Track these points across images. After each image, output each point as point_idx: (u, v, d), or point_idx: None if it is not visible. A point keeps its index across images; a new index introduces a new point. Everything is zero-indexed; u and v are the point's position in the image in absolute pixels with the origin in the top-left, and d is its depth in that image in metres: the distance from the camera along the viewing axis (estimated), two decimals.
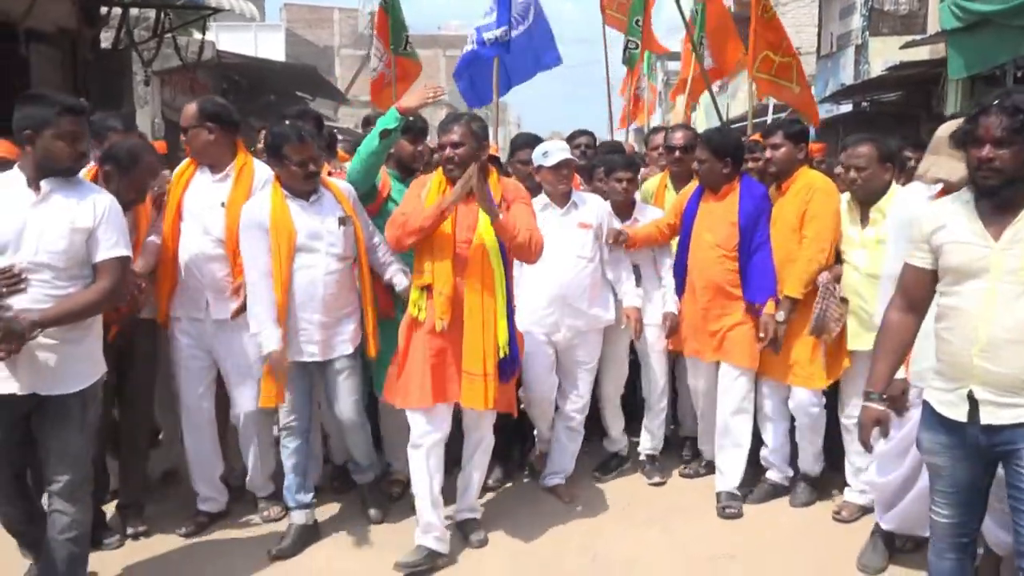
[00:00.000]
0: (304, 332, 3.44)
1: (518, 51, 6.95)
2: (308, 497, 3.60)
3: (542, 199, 3.92)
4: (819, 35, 16.37)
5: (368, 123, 4.82)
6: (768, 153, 3.95)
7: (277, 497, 3.75)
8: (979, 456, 2.38)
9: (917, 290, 2.47)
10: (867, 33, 13.48)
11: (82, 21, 7.78)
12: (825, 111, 12.79)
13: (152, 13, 8.34)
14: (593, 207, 3.98)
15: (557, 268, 3.80)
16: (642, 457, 4.31)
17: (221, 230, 3.50)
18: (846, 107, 13.42)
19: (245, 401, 3.61)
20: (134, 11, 8.24)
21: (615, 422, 4.33)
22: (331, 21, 37.25)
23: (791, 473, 3.99)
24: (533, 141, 4.33)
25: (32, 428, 2.78)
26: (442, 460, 3.38)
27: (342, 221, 3.44)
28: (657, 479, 4.20)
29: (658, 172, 4.81)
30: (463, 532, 3.54)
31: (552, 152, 3.88)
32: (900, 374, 3.06)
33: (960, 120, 2.62)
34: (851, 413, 3.67)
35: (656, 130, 5.18)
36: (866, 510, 3.68)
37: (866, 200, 3.66)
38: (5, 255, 2.65)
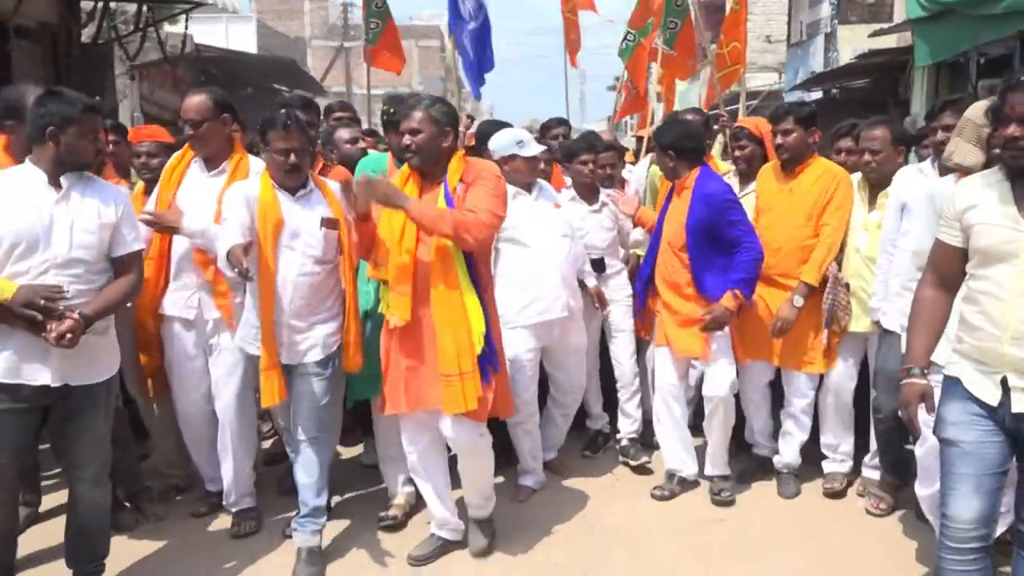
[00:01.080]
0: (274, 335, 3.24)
1: (468, 47, 7.15)
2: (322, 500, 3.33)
3: (509, 188, 3.61)
4: (789, 24, 16.67)
5: (330, 111, 4.76)
6: (780, 139, 3.85)
7: (253, 511, 3.60)
8: (1006, 437, 2.28)
9: (949, 267, 2.40)
10: (836, 21, 13.79)
11: (63, 16, 7.78)
12: (796, 98, 13.07)
13: (133, 7, 8.35)
14: (552, 188, 4.02)
15: (551, 250, 3.75)
16: (624, 442, 4.30)
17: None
18: (816, 94, 13.71)
19: (226, 404, 3.47)
20: (114, 5, 8.23)
21: (595, 400, 4.40)
22: (301, 12, 37.03)
23: (776, 446, 4.04)
24: (493, 129, 4.20)
25: (52, 419, 2.83)
26: (442, 457, 3.33)
27: (325, 223, 3.24)
28: (644, 459, 4.19)
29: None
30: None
31: (528, 142, 3.77)
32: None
33: (990, 100, 2.62)
34: (832, 390, 3.81)
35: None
36: (848, 478, 3.88)
37: (877, 183, 3.66)
38: (37, 252, 2.69)
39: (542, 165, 3.95)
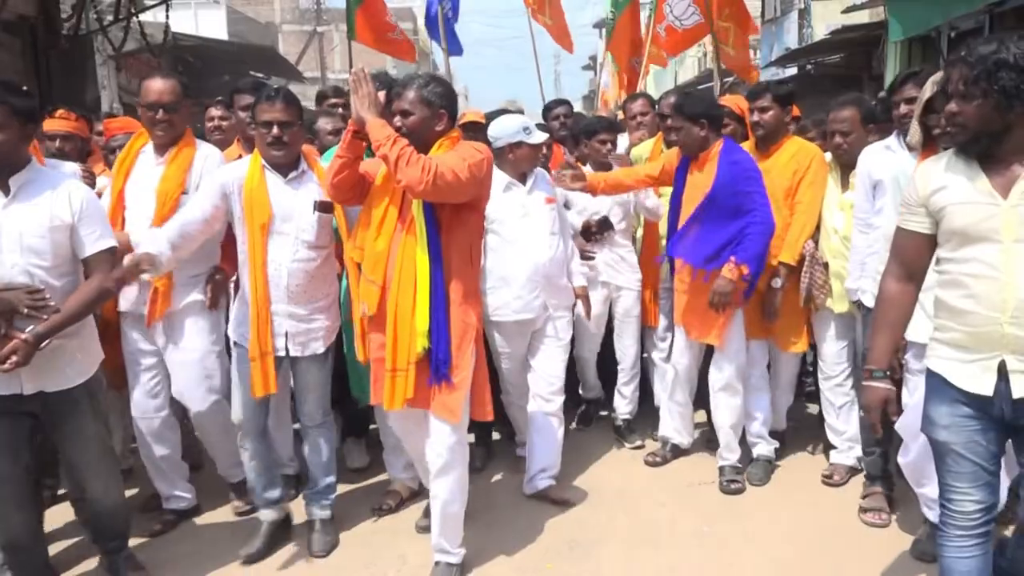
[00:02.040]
0: (272, 323, 3.15)
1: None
2: (276, 493, 3.37)
3: (503, 178, 3.60)
4: (763, 0, 16.81)
5: (323, 98, 4.76)
6: (756, 116, 3.86)
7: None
8: (1001, 428, 2.20)
9: (915, 257, 2.29)
10: None
11: (43, 8, 7.72)
12: (771, 75, 13.24)
13: None
14: (548, 180, 3.82)
15: (534, 248, 3.63)
16: (618, 423, 4.36)
17: (154, 214, 3.26)
18: (791, 70, 13.89)
19: (195, 399, 3.39)
20: None
21: (589, 373, 4.42)
22: None
23: (777, 444, 4.03)
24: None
25: (43, 424, 2.80)
26: (420, 440, 3.11)
27: (319, 206, 3.14)
28: (638, 442, 4.27)
29: (640, 139, 4.75)
30: None
31: (533, 130, 3.65)
32: None
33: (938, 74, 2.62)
34: (829, 373, 3.80)
35: (632, 98, 5.20)
36: (855, 471, 3.80)
37: (849, 164, 3.62)
38: None
39: (544, 150, 3.87)
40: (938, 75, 2.87)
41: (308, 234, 3.13)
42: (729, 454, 3.87)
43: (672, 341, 4.15)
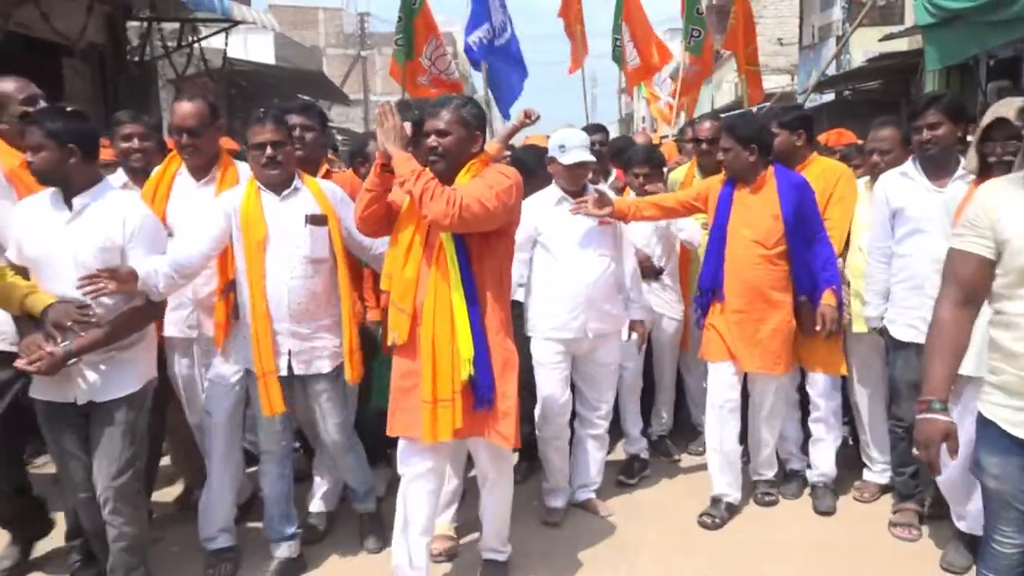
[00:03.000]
0: (274, 343, 3.13)
1: (502, 62, 7.30)
2: (292, 528, 3.31)
3: (555, 192, 3.63)
4: (800, 27, 16.93)
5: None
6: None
7: (231, 551, 3.39)
8: None
9: (974, 281, 2.14)
10: (848, 24, 14.04)
11: (111, 37, 8.20)
12: (808, 100, 13.35)
13: (175, 26, 8.76)
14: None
15: (579, 267, 3.53)
16: (654, 438, 4.43)
17: None
18: (828, 96, 13.97)
19: (215, 424, 3.35)
20: (157, 25, 8.65)
21: (634, 423, 4.24)
22: (316, 21, 37.55)
23: (807, 460, 3.98)
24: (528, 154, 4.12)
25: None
26: (432, 494, 3.02)
27: (310, 219, 3.14)
28: (675, 456, 4.38)
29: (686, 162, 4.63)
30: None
31: (569, 148, 3.54)
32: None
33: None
34: (861, 394, 3.82)
35: (694, 121, 5.11)
36: (886, 489, 3.84)
37: None
38: (52, 278, 2.76)
39: (580, 172, 3.63)
40: (1004, 103, 2.89)
41: (304, 249, 3.12)
42: (767, 470, 3.92)
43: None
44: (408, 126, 2.85)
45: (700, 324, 3.80)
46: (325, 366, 3.20)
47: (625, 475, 4.19)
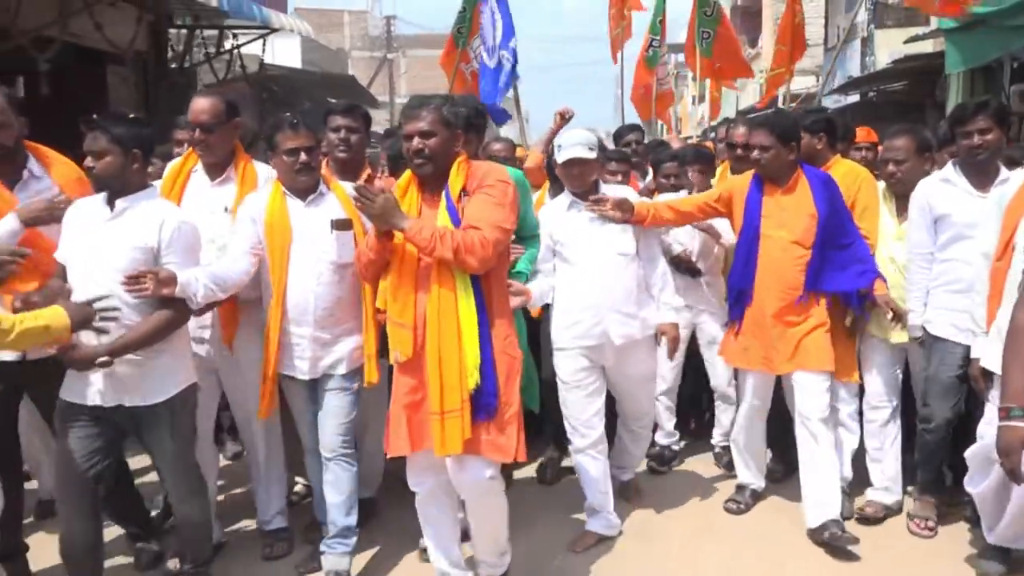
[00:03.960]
0: (297, 347, 3.16)
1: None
2: (353, 519, 3.27)
3: (566, 197, 3.56)
4: (826, 28, 16.97)
5: (389, 135, 4.63)
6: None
7: (283, 533, 3.54)
8: None
9: None
10: (872, 26, 14.09)
11: (152, 43, 8.51)
12: (833, 102, 13.42)
13: (214, 32, 9.06)
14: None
15: (596, 271, 3.44)
16: (717, 450, 4.38)
17: (226, 237, 3.23)
18: (853, 97, 14.02)
19: (253, 422, 3.39)
20: (198, 32, 8.95)
21: (667, 418, 4.33)
22: (341, 24, 37.99)
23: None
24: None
25: (140, 441, 2.99)
26: (451, 501, 3.02)
27: (336, 225, 3.10)
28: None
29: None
30: None
31: (564, 148, 3.45)
32: (975, 353, 3.06)
33: None
34: (876, 405, 3.74)
35: (729, 124, 5.19)
36: (890, 510, 3.74)
37: (903, 193, 3.59)
38: (89, 275, 2.81)
39: (575, 171, 3.47)
40: None
41: (330, 254, 3.11)
42: (830, 510, 3.60)
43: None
44: (389, 194, 2.75)
45: (734, 328, 3.68)
46: (342, 367, 3.21)
47: (657, 462, 4.32)
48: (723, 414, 4.34)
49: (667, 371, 4.20)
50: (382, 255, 2.83)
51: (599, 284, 3.44)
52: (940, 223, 3.43)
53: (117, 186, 2.85)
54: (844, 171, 3.88)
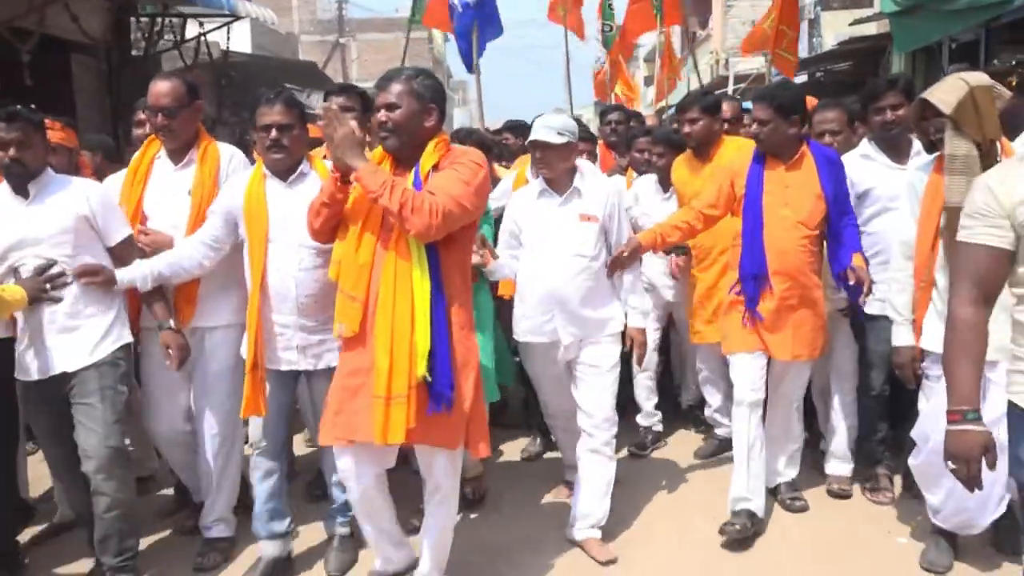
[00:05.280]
0: (281, 337, 3.03)
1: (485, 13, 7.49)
2: (283, 525, 3.22)
3: (539, 184, 3.39)
4: None
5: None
6: (687, 127, 3.99)
7: (222, 543, 3.39)
8: None
9: (994, 276, 1.96)
10: (819, 8, 14.56)
11: (114, 31, 8.48)
12: (780, 81, 13.87)
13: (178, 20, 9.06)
14: (599, 195, 3.34)
15: (550, 266, 3.29)
16: (684, 407, 4.66)
17: (188, 222, 3.19)
18: (801, 77, 14.47)
19: (212, 415, 3.27)
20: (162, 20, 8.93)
21: (647, 396, 4.35)
22: (290, 8, 37.44)
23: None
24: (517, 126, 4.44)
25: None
26: (388, 496, 2.94)
27: None
28: (702, 428, 4.50)
29: None
30: None
31: (534, 127, 3.31)
32: (909, 340, 3.13)
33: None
34: (836, 374, 3.78)
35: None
36: (849, 482, 3.80)
37: None
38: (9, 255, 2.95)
39: (537, 155, 3.32)
40: (936, 85, 2.88)
41: (309, 239, 2.93)
42: (791, 470, 3.79)
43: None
44: (354, 123, 2.66)
45: (753, 316, 3.40)
46: (334, 359, 2.96)
47: (638, 447, 4.31)
48: (691, 381, 4.50)
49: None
50: (334, 202, 2.69)
51: (551, 281, 3.30)
52: (864, 198, 3.52)
53: (30, 172, 2.95)
54: (739, 144, 3.97)
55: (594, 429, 3.36)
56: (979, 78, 2.80)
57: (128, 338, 3.07)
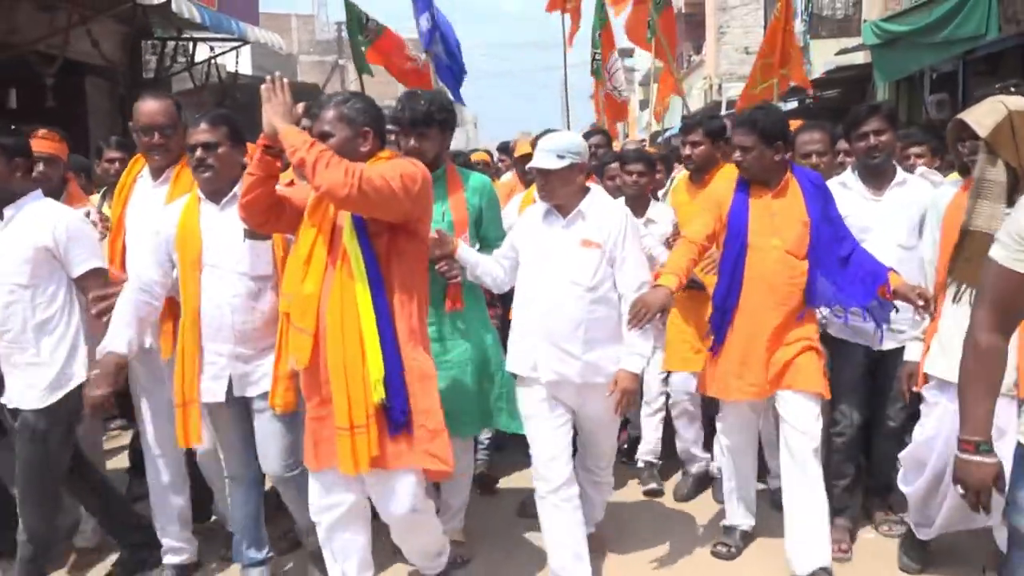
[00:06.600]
0: (211, 366, 2.92)
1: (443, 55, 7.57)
2: (262, 554, 3.15)
3: (543, 205, 3.12)
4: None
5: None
6: (688, 150, 3.96)
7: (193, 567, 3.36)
8: None
9: (1020, 303, 1.88)
10: (808, 36, 14.98)
11: (127, 54, 8.81)
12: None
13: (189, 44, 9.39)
14: (605, 220, 3.04)
15: (542, 291, 3.02)
16: (639, 463, 4.20)
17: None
18: (792, 104, 14.88)
19: (159, 444, 3.23)
20: (173, 43, 9.27)
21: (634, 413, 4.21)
22: (289, 29, 37.94)
23: (711, 456, 3.95)
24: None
25: None
26: (363, 528, 2.83)
27: (248, 233, 2.86)
28: (653, 485, 4.10)
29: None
30: None
31: (535, 154, 3.08)
32: (915, 355, 3.08)
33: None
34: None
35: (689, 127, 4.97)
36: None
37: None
38: None
39: (540, 182, 3.09)
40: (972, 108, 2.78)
41: (243, 264, 2.88)
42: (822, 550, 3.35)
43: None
44: (301, 107, 2.67)
45: (715, 350, 3.25)
46: (268, 384, 2.92)
47: (626, 457, 4.23)
48: (647, 422, 4.19)
49: (651, 378, 4.06)
50: (263, 178, 2.64)
51: (540, 306, 3.03)
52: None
53: (5, 195, 2.93)
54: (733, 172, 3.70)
55: (598, 469, 3.34)
56: (1018, 102, 2.66)
57: (71, 385, 3.00)
